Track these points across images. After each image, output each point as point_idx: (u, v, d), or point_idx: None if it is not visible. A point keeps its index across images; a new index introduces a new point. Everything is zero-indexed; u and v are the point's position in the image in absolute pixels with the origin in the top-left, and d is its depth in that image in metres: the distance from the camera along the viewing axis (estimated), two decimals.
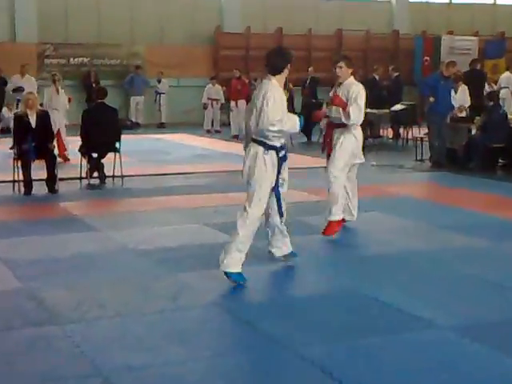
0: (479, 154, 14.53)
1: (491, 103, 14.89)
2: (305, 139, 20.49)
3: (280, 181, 7.27)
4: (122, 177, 13.15)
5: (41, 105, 14.20)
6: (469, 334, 5.81)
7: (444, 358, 5.34)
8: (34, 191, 12.10)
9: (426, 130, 16.28)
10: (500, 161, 15.02)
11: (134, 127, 24.17)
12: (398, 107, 19.80)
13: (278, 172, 7.19)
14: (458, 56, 25.01)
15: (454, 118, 15.45)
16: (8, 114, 21.63)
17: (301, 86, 22.35)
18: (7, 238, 9.06)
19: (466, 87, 16.65)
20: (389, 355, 5.43)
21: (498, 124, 14.47)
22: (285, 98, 7.18)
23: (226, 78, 24.31)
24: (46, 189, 12.16)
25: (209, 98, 23.94)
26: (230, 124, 22.79)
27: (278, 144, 7.12)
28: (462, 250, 8.55)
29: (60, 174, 12.47)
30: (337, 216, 9.03)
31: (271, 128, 6.89)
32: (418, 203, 11.56)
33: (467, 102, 16.32)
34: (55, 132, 13.84)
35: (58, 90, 16.17)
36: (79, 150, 13.10)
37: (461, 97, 16.19)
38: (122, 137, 13.36)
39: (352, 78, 9.10)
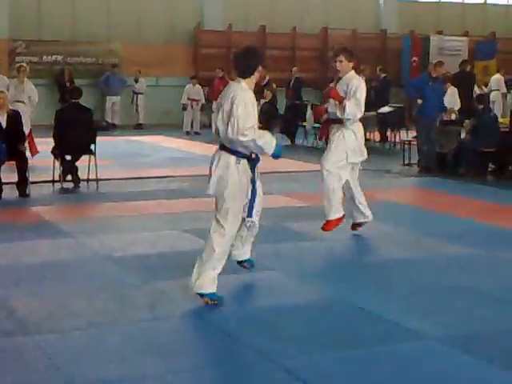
0: (469, 159, 14.47)
1: (481, 106, 14.78)
2: (288, 142, 20.32)
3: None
4: (97, 180, 13.02)
5: None
6: (459, 345, 5.73)
7: (433, 370, 5.28)
8: (4, 195, 11.88)
9: (415, 134, 16.18)
10: (490, 166, 14.95)
11: (110, 128, 23.85)
12: (385, 109, 19.65)
13: (253, 178, 6.68)
14: (447, 57, 24.81)
15: (443, 122, 15.24)
16: None
17: (285, 86, 22.02)
18: None
19: (456, 89, 16.40)
20: (376, 367, 5.35)
21: (488, 128, 14.36)
22: (255, 103, 6.62)
23: (206, 78, 23.97)
24: (17, 192, 11.97)
25: (189, 99, 23.67)
26: (210, 126, 22.46)
27: (248, 153, 6.62)
28: (451, 258, 8.44)
29: (32, 177, 12.28)
30: (336, 214, 8.87)
31: (242, 138, 6.37)
32: (406, 210, 11.53)
33: (457, 105, 16.24)
34: (27, 132, 13.47)
35: (22, 81, 16.08)
36: (52, 152, 12.87)
37: (450, 99, 16.09)
38: (98, 138, 13.17)
39: (353, 71, 8.84)
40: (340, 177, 8.83)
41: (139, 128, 24.65)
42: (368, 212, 9.27)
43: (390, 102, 20.84)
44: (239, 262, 7.49)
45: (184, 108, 23.63)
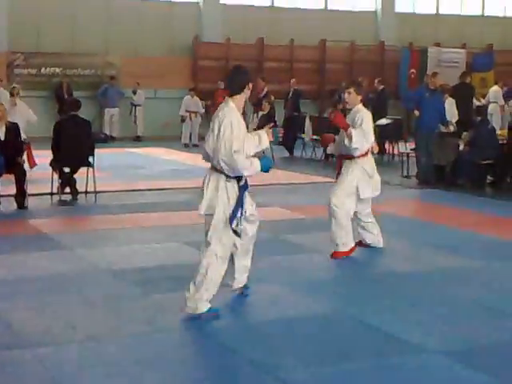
0: (467, 171, 14.43)
1: (479, 118, 14.68)
2: (287, 154, 20.42)
3: (245, 214, 6.75)
4: (96, 193, 12.93)
5: None
6: (459, 358, 5.69)
7: None
8: (1, 207, 11.89)
9: (413, 146, 16.13)
10: (488, 178, 14.91)
11: (109, 141, 23.80)
12: (383, 121, 19.54)
13: (240, 203, 6.63)
14: (445, 69, 24.89)
15: (442, 134, 15.12)
16: None
17: (283, 98, 21.98)
18: None
19: (454, 101, 16.37)
20: (375, 381, 5.31)
21: (487, 140, 14.35)
22: (243, 124, 6.66)
23: (205, 90, 23.93)
24: (15, 205, 11.93)
25: (187, 111, 23.55)
26: None
27: (235, 175, 6.64)
28: (451, 270, 8.42)
29: (30, 189, 12.20)
30: (344, 248, 8.78)
31: (229, 162, 6.40)
32: (405, 221, 11.48)
33: (454, 117, 16.08)
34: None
35: (15, 103, 16.17)
36: (50, 164, 12.83)
37: (448, 111, 15.85)
38: (96, 151, 13.13)
39: (360, 105, 8.89)
40: (348, 211, 8.79)
41: (138, 140, 24.57)
42: (380, 240, 9.29)
43: (388, 114, 20.79)
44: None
45: (182, 120, 23.57)
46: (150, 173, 16.80)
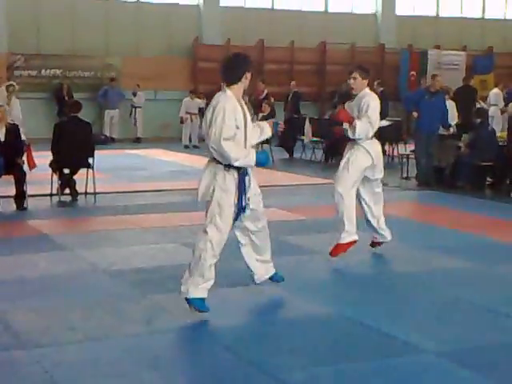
0: (467, 173, 14.41)
1: (479, 120, 14.63)
2: (287, 156, 20.44)
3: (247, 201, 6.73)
4: (95, 194, 12.93)
5: None
6: (458, 359, 5.69)
7: None
8: (1, 208, 11.89)
9: (413, 147, 16.09)
10: (488, 179, 14.89)
11: (109, 142, 23.80)
12: (383, 123, 19.38)
13: (243, 191, 6.64)
14: (445, 71, 24.88)
15: (442, 136, 15.13)
16: None
17: (283, 100, 21.99)
18: None
19: (454, 103, 16.38)
20: (373, 381, 5.31)
21: (486, 141, 14.34)
22: (241, 112, 6.56)
23: (205, 92, 23.91)
24: (15, 206, 11.93)
25: (187, 112, 23.48)
26: None
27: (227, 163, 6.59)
28: (449, 272, 8.40)
29: (29, 190, 12.17)
30: (346, 239, 8.63)
31: (219, 148, 6.36)
32: (404, 223, 11.36)
33: (454, 119, 16.05)
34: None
35: (9, 103, 16.24)
36: (50, 166, 12.85)
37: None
38: (96, 152, 13.14)
39: (367, 89, 8.69)
40: (352, 197, 8.66)
41: (138, 141, 24.57)
42: (387, 233, 9.15)
43: (387, 115, 20.79)
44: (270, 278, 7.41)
45: (182, 121, 23.57)
46: (150, 174, 16.78)
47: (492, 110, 21.78)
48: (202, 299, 6.63)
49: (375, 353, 5.84)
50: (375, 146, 8.77)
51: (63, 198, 12.83)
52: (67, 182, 12.87)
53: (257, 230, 7.07)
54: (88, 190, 12.98)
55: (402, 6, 29.38)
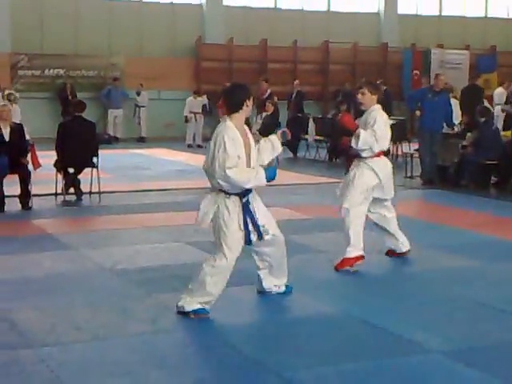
0: (471, 172, 14.39)
1: (483, 119, 14.58)
2: (291, 155, 20.36)
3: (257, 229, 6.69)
4: (100, 193, 12.95)
5: None
6: (463, 358, 5.67)
7: (437, 383, 5.26)
8: (6, 207, 11.84)
9: (417, 146, 16.06)
10: (493, 178, 14.84)
11: (112, 141, 23.80)
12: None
13: (249, 217, 6.60)
14: (448, 70, 24.88)
15: (446, 134, 15.09)
16: None
17: (286, 99, 22.01)
18: None
19: (457, 101, 16.33)
20: (378, 380, 5.31)
21: (491, 140, 14.29)
22: (240, 141, 6.51)
23: (208, 91, 23.93)
24: (19, 205, 11.93)
25: (191, 112, 23.49)
26: None
27: (239, 191, 6.56)
28: (455, 271, 8.37)
29: (34, 189, 12.21)
30: (352, 253, 8.32)
31: (223, 181, 6.39)
32: (409, 222, 11.13)
33: (458, 117, 16.03)
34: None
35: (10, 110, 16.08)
36: (54, 165, 12.87)
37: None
38: (100, 151, 13.13)
39: (378, 106, 8.35)
40: (360, 214, 8.33)
41: (141, 141, 24.60)
42: (404, 248, 8.86)
43: (391, 114, 20.81)
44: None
45: (186, 120, 23.60)
46: (154, 173, 16.81)
47: (497, 110, 21.77)
48: (201, 309, 6.61)
49: (381, 352, 5.82)
50: (382, 165, 8.40)
51: (68, 198, 12.84)
52: (72, 182, 12.88)
53: (273, 254, 7.03)
54: (92, 190, 12.99)
55: (405, 5, 29.37)
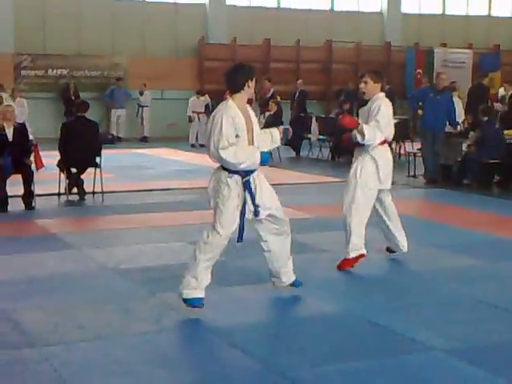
0: (474, 170, 14.38)
1: (486, 118, 14.57)
2: (293, 154, 20.43)
3: (254, 208, 6.74)
4: (103, 193, 12.97)
5: None
6: (465, 357, 5.68)
7: (439, 382, 5.26)
8: (9, 208, 11.83)
9: (420, 145, 16.02)
10: (496, 177, 14.86)
11: (115, 141, 23.81)
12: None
13: (248, 196, 6.67)
14: (451, 69, 24.80)
15: (449, 133, 15.08)
16: None
17: (289, 99, 22.01)
18: None
19: (460, 100, 16.31)
20: (382, 379, 5.30)
21: (494, 139, 14.27)
22: (241, 118, 6.55)
23: (211, 91, 23.90)
24: (23, 205, 11.93)
25: (194, 111, 23.49)
26: None
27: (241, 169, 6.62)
28: (457, 270, 8.38)
29: (37, 189, 12.21)
30: (352, 254, 8.27)
31: (219, 156, 6.44)
32: (411, 221, 11.12)
33: (461, 116, 16.01)
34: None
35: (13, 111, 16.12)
36: (57, 165, 12.89)
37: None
38: (103, 151, 13.17)
39: (380, 94, 8.21)
40: (362, 212, 8.21)
41: (144, 141, 24.60)
42: (403, 245, 8.74)
43: (394, 113, 20.76)
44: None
45: (190, 120, 23.61)
46: (157, 173, 16.80)
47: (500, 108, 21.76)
48: (197, 298, 6.64)
49: (384, 351, 5.82)
50: (383, 151, 8.32)
51: (71, 198, 12.85)
52: (75, 182, 12.90)
53: (274, 238, 7.05)
54: (95, 190, 13.02)
55: (408, 4, 29.37)
